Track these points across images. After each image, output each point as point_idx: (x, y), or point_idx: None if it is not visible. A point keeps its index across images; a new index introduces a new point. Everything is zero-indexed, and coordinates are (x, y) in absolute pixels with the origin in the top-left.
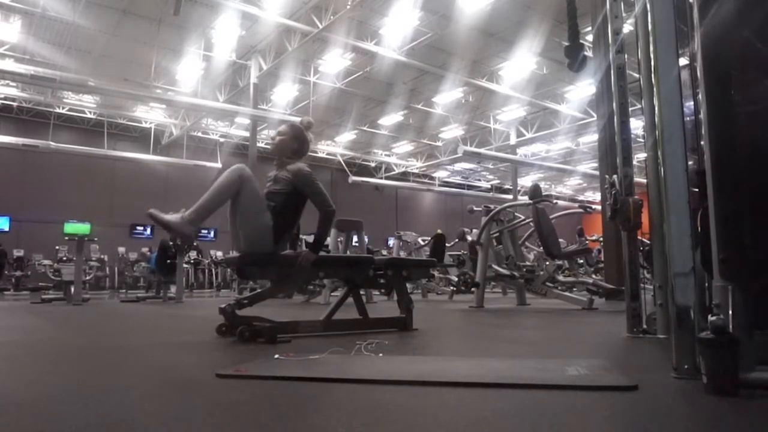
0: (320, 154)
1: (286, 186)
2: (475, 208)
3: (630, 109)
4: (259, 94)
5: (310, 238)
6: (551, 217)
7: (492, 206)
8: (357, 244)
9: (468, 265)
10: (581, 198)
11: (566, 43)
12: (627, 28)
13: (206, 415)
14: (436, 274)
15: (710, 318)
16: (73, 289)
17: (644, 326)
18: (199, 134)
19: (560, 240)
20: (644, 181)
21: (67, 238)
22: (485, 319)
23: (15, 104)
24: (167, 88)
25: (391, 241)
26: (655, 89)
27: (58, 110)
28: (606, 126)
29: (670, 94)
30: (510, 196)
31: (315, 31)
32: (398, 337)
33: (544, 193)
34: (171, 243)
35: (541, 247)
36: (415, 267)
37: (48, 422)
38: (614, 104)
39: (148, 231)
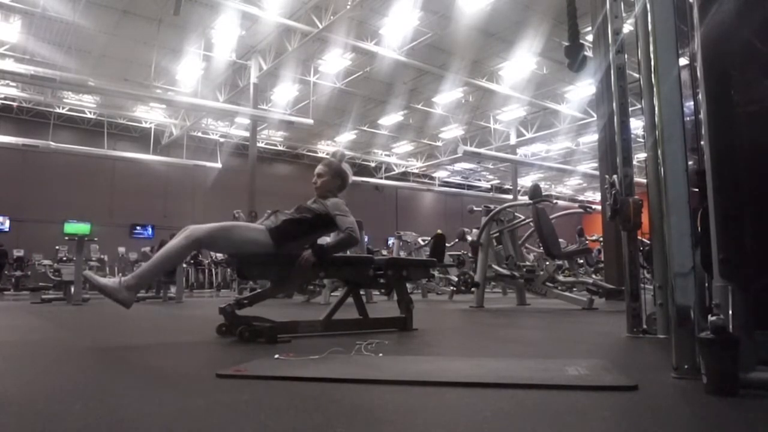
0: (320, 154)
1: (320, 209)
2: (475, 208)
3: (630, 109)
4: (259, 94)
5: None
6: (551, 217)
7: (492, 206)
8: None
9: (468, 265)
10: (581, 198)
11: (566, 43)
12: (627, 28)
13: (206, 415)
14: (436, 274)
15: (710, 318)
16: (73, 289)
17: (644, 326)
18: (199, 134)
19: (560, 240)
20: (644, 181)
21: (67, 238)
22: (485, 319)
23: (15, 104)
24: (167, 88)
25: (391, 241)
26: (655, 89)
27: (58, 110)
28: (606, 126)
29: (670, 94)
30: (510, 196)
31: (315, 31)
32: (398, 337)
33: (544, 193)
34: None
35: (541, 247)
36: (415, 267)
37: (48, 422)
38: (614, 104)
39: (149, 231)
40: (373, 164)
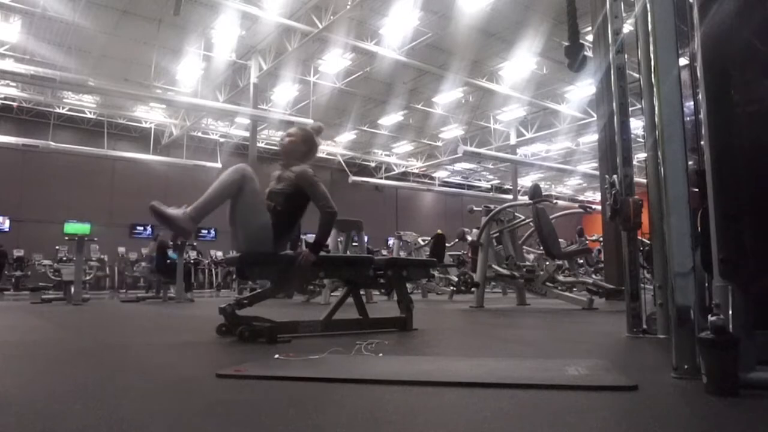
0: (320, 154)
1: (288, 186)
2: (475, 208)
3: (630, 109)
4: (259, 94)
5: (311, 238)
6: (551, 217)
7: (492, 206)
8: (357, 244)
9: (467, 265)
10: (581, 198)
11: (566, 43)
12: (627, 28)
13: (206, 415)
14: (436, 274)
15: (710, 318)
16: (73, 289)
17: (644, 326)
18: (199, 134)
19: (560, 240)
20: (644, 181)
21: (67, 238)
22: (485, 319)
23: (15, 104)
24: (167, 88)
25: (391, 241)
26: (655, 89)
27: (58, 110)
28: (606, 126)
29: (670, 94)
30: (510, 196)
31: (315, 31)
32: (398, 337)
33: (544, 193)
34: (171, 243)
35: (541, 247)
36: (415, 267)
37: (48, 422)
38: (614, 104)
39: (149, 231)
40: (373, 164)
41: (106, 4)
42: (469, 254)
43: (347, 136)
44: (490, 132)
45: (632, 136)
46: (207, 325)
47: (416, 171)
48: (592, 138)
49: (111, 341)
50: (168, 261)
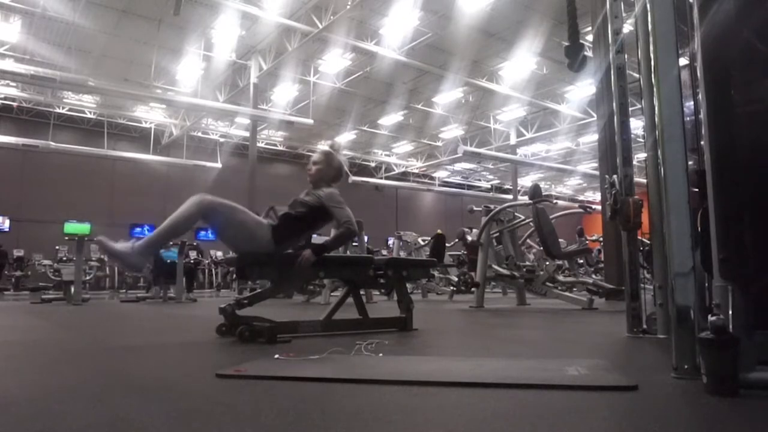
0: None
1: (315, 201)
2: (475, 208)
3: (630, 109)
4: (259, 94)
5: (317, 239)
6: (551, 217)
7: (492, 206)
8: (357, 244)
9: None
10: (581, 198)
11: (566, 43)
12: (627, 28)
13: (206, 415)
14: (436, 274)
15: (710, 318)
16: (73, 289)
17: (644, 326)
18: (199, 134)
19: (560, 240)
20: (644, 181)
21: (67, 238)
22: (485, 319)
23: (15, 104)
24: (167, 88)
25: (391, 241)
26: (655, 89)
27: (58, 110)
28: (606, 126)
29: (670, 94)
30: (510, 196)
31: (315, 31)
32: (398, 337)
33: (544, 193)
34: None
35: (541, 247)
36: (415, 267)
37: (48, 422)
38: (614, 104)
39: (149, 231)
40: (373, 164)
41: (106, 4)
42: (468, 254)
43: (347, 136)
44: (490, 132)
45: (632, 136)
46: (207, 325)
47: (416, 171)
48: (592, 138)
49: (111, 341)
50: (168, 261)
